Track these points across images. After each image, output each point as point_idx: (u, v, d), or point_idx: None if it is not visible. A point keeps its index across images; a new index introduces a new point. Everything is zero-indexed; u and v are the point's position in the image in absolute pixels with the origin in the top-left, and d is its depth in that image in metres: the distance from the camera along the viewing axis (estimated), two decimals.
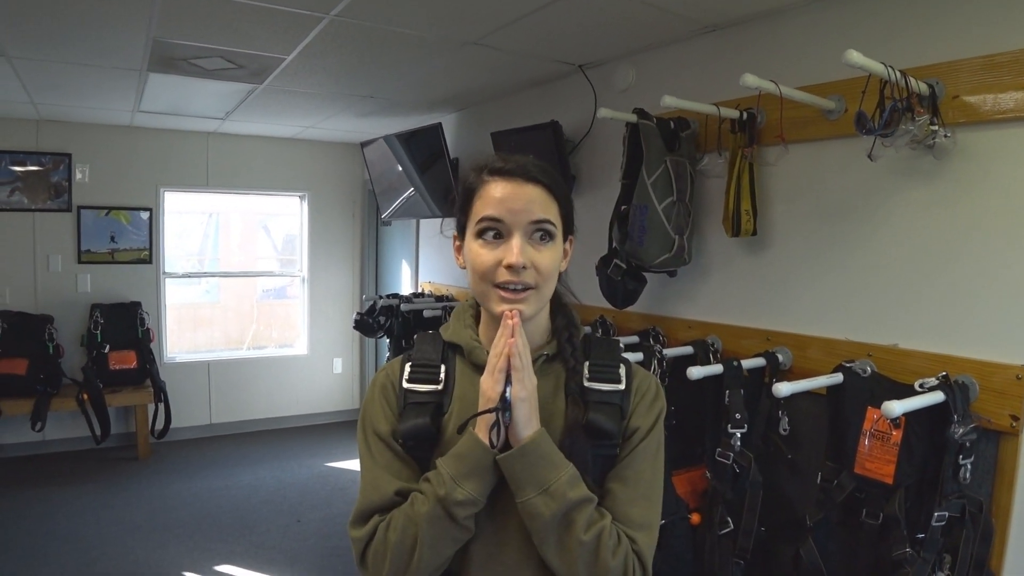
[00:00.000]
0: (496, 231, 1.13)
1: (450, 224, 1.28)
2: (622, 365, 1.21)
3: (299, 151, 6.30)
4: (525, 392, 1.09)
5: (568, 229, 1.22)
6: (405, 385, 1.20)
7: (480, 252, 1.13)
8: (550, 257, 1.14)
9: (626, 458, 1.16)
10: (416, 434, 1.15)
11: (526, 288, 1.12)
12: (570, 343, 1.22)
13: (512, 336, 1.08)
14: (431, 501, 1.08)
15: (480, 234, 1.14)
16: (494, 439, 1.08)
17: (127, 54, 3.36)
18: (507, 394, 1.08)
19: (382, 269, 6.68)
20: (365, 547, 1.13)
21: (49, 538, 3.99)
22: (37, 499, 4.57)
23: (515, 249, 1.10)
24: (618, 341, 1.34)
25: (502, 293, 1.12)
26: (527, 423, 1.09)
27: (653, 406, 1.20)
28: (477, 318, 1.27)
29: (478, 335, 1.24)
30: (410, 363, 1.23)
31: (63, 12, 2.78)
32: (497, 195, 1.13)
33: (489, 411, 1.08)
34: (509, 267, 1.10)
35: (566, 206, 1.20)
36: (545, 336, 1.24)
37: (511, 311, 1.10)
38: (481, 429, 1.09)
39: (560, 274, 1.21)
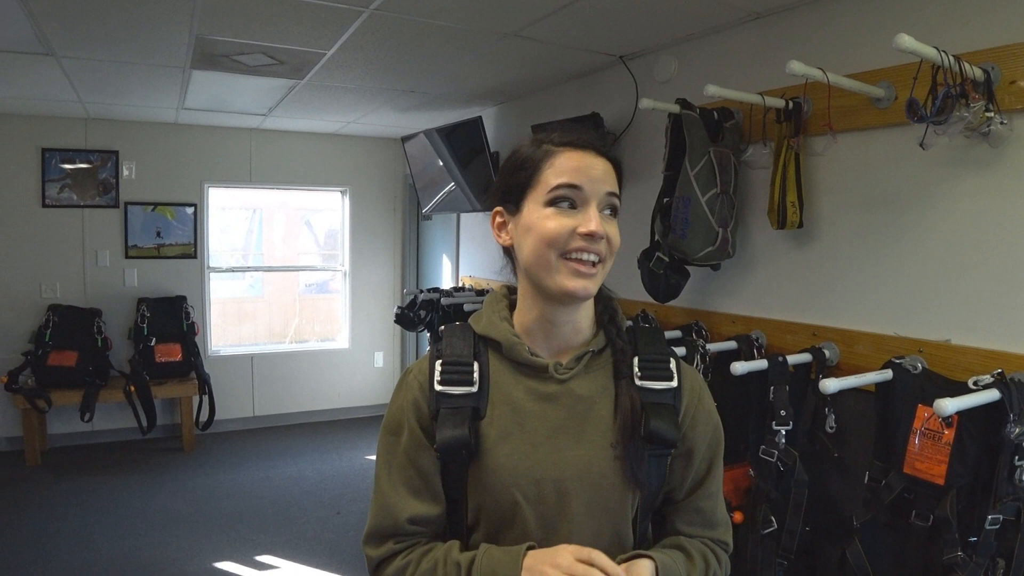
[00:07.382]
0: (571, 200, 1.07)
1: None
2: (671, 359, 1.15)
3: (340, 146, 6.34)
4: None
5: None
6: (437, 388, 1.11)
7: (553, 218, 1.07)
8: (616, 232, 1.10)
9: (709, 473, 1.18)
10: (455, 446, 1.07)
11: (597, 261, 1.08)
12: (615, 326, 1.17)
13: None
14: None
15: (553, 202, 1.07)
16: None
17: (171, 52, 3.41)
18: None
19: (423, 263, 6.71)
20: (379, 566, 1.13)
21: (97, 525, 4.08)
22: (85, 487, 4.67)
23: (594, 217, 1.06)
24: (661, 329, 1.31)
25: (575, 265, 1.06)
26: None
27: (712, 410, 1.19)
28: (512, 307, 1.20)
29: (514, 328, 1.16)
30: (440, 360, 1.13)
31: (108, 12, 2.83)
32: (573, 164, 1.08)
33: None
34: (588, 235, 1.05)
35: (622, 188, 1.16)
36: (591, 328, 1.17)
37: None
38: None
39: None
